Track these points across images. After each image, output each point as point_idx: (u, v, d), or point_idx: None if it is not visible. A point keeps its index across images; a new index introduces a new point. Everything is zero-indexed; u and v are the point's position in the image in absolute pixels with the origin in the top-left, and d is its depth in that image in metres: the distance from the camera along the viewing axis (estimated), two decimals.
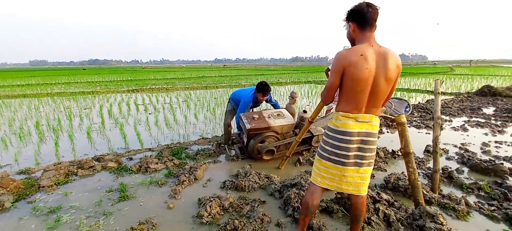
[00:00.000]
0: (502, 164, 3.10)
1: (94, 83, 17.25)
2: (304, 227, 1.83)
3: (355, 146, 1.57)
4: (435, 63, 75.13)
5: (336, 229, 2.05)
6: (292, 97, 3.87)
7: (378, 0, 1.64)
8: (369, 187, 2.53)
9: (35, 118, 6.37)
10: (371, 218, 2.13)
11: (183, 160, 3.55)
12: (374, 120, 1.59)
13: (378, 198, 2.34)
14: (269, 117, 3.52)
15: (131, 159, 3.68)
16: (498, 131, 4.86)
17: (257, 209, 2.29)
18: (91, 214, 2.34)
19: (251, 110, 3.90)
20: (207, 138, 4.62)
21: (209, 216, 2.23)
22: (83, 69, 57.70)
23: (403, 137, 2.17)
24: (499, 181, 2.77)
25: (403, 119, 2.18)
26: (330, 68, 5.29)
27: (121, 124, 5.57)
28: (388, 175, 2.84)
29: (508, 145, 4.09)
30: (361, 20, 1.53)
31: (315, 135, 3.54)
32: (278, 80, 17.57)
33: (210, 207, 2.29)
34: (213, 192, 2.66)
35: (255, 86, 3.71)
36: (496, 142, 4.25)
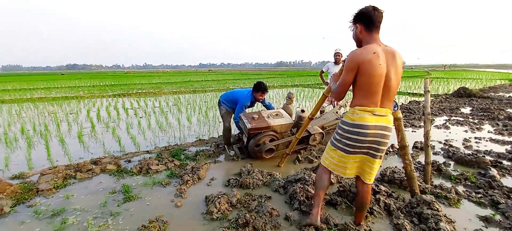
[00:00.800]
0: (484, 157, 3.37)
1: (76, 88, 16.68)
2: (320, 201, 1.98)
3: (370, 138, 1.66)
4: (412, 68, 78.57)
5: (341, 219, 2.16)
6: (289, 98, 4.00)
7: (381, 1, 1.81)
8: None
9: (19, 124, 6.11)
10: (373, 208, 2.27)
11: (184, 161, 3.56)
12: (389, 114, 1.70)
13: (377, 190, 2.49)
14: (268, 117, 3.62)
15: (129, 161, 3.65)
16: (476, 128, 5.23)
17: (264, 204, 2.36)
18: (97, 215, 2.32)
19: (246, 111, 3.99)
20: (204, 139, 4.65)
21: (219, 212, 2.28)
22: (62, 74, 55.40)
23: (399, 131, 2.34)
24: (483, 172, 3.01)
25: (399, 114, 2.34)
26: (324, 70, 5.49)
27: (113, 128, 5.48)
28: (384, 169, 3.01)
29: (487, 140, 4.43)
30: (369, 22, 1.67)
31: (312, 134, 3.68)
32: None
33: (219, 203, 2.35)
34: (219, 190, 2.71)
35: (251, 88, 3.81)
36: (475, 137, 4.58)
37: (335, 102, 5.35)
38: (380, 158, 1.75)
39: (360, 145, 1.69)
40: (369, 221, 2.16)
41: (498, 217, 2.18)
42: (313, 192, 2.51)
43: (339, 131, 1.79)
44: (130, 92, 13.41)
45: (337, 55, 5.23)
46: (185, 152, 3.97)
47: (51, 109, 8.30)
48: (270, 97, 10.84)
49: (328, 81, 5.39)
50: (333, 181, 2.85)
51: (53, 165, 3.53)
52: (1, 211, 2.36)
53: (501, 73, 32.09)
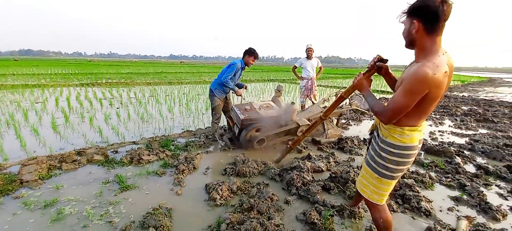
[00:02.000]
0: (449, 147, 3.82)
1: (35, 75, 15.26)
2: None
3: (415, 157, 1.52)
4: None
5: (337, 202, 2.36)
6: (278, 90, 4.13)
7: None
8: (352, 167, 2.93)
9: None
10: None
11: (175, 152, 3.54)
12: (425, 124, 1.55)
13: None
14: (260, 108, 3.73)
15: (116, 151, 3.54)
16: (439, 123, 5.84)
17: (264, 190, 2.49)
18: (95, 204, 2.27)
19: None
20: (192, 130, 4.63)
21: (222, 199, 2.36)
22: (15, 60, 49.98)
23: None
24: (449, 160, 3.43)
25: None
26: (297, 65, 5.66)
27: (90, 118, 5.20)
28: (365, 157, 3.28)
29: (448, 133, 4.99)
30: (433, 20, 1.24)
31: (301, 126, 3.86)
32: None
33: (221, 190, 2.42)
34: (217, 179, 2.77)
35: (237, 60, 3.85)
36: (439, 131, 5.13)
37: (312, 97, 5.60)
38: None
39: (408, 166, 1.51)
40: (362, 202, 2.38)
41: (465, 197, 2.53)
42: (308, 178, 2.69)
43: (384, 155, 1.50)
44: (99, 82, 12.62)
45: (309, 50, 5.44)
46: (174, 142, 3.93)
47: (12, 97, 7.57)
48: (250, 91, 10.94)
49: (302, 75, 5.63)
50: (323, 168, 3.06)
51: (31, 156, 3.30)
52: None
53: (453, 75, 35.47)
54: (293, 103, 3.73)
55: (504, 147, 4.01)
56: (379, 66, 1.59)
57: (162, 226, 1.90)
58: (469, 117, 6.38)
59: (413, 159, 1.48)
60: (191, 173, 2.95)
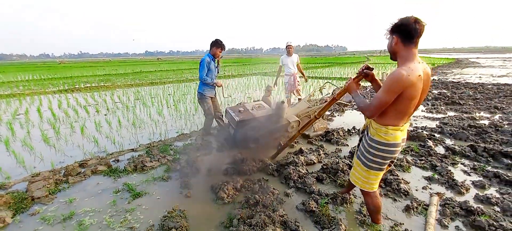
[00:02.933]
0: (422, 132, 4.29)
1: (5, 84, 14.45)
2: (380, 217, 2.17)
3: (398, 153, 1.82)
4: (354, 54, 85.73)
5: (330, 190, 2.69)
6: (268, 90, 4.40)
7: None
8: (340, 158, 3.28)
9: None
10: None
11: (175, 156, 3.73)
12: (408, 125, 1.82)
13: (351, 164, 3.09)
14: (252, 109, 3.98)
15: (117, 160, 3.67)
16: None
17: (265, 186, 2.77)
18: (113, 213, 2.45)
19: (216, 71, 4.27)
20: (186, 133, 4.81)
21: (229, 197, 2.61)
22: None
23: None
24: (423, 144, 3.88)
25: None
26: (280, 64, 5.95)
27: (81, 127, 5.21)
28: (352, 148, 3.66)
29: (421, 118, 5.52)
30: (407, 36, 1.56)
31: (291, 122, 4.16)
32: (224, 73, 17.84)
33: (227, 189, 2.67)
34: (220, 179, 3.00)
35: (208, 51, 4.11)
36: (413, 117, 5.65)
37: (295, 92, 5.94)
38: None
39: (391, 160, 1.83)
40: (354, 190, 2.73)
41: (436, 176, 2.96)
42: (303, 171, 3.00)
43: (373, 152, 1.80)
44: (78, 87, 12.25)
45: (289, 47, 5.74)
46: (172, 147, 4.11)
47: None
48: (233, 87, 11.12)
49: (285, 73, 5.95)
50: (315, 161, 3.39)
51: (33, 172, 3.36)
52: (4, 223, 2.31)
53: (424, 58, 37.41)
54: (283, 102, 4.01)
55: (468, 128, 4.55)
56: (366, 73, 1.91)
57: (181, 227, 2.13)
58: (439, 101, 7.00)
59: (396, 154, 1.80)
60: (195, 175, 3.17)
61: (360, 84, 1.99)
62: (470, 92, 7.97)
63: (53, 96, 9.73)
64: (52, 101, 8.65)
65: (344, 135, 4.43)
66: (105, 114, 6.56)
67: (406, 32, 1.56)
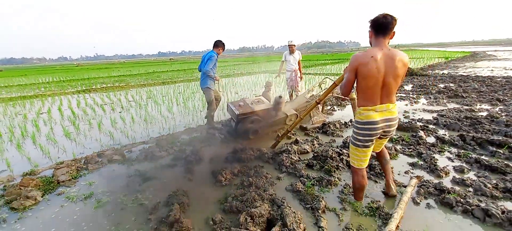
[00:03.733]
0: (416, 123, 4.46)
1: (28, 86, 15.43)
2: (363, 195, 2.42)
3: (380, 131, 2.02)
4: (366, 49, 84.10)
5: (317, 175, 2.96)
6: (268, 86, 4.69)
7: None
8: (332, 147, 3.53)
9: None
10: (339, 164, 3.11)
11: (181, 147, 4.09)
12: (391, 107, 1.99)
13: (341, 152, 3.35)
14: (252, 103, 4.29)
15: (131, 151, 4.07)
16: (414, 102, 6.50)
17: (260, 171, 3.07)
18: (126, 193, 2.82)
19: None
20: (193, 127, 5.17)
21: (226, 180, 2.94)
22: None
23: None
24: (414, 134, 4.06)
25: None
26: (283, 59, 6.25)
27: (98, 123, 5.68)
28: (345, 138, 3.90)
29: (421, 111, 5.64)
30: (377, 28, 1.90)
31: (289, 115, 4.43)
32: (233, 72, 18.23)
33: (225, 173, 3.00)
34: (220, 166, 3.33)
35: (211, 51, 4.79)
36: (413, 110, 5.79)
37: (296, 87, 6.21)
38: (387, 138, 2.20)
39: (373, 137, 2.05)
40: (336, 174, 2.99)
41: (420, 162, 3.17)
42: (295, 158, 3.29)
43: (355, 130, 2.10)
44: (94, 87, 12.96)
45: (290, 46, 6.10)
46: (179, 139, 4.48)
47: (14, 110, 7.94)
48: (241, 85, 11.45)
49: (286, 68, 6.26)
50: (308, 150, 3.66)
51: (57, 161, 3.80)
52: (35, 200, 2.74)
53: (439, 52, 36.42)
54: (280, 96, 4.30)
55: (463, 119, 4.67)
56: None
57: (183, 202, 2.47)
58: (442, 94, 7.06)
59: (374, 132, 2.01)
60: (198, 163, 3.51)
61: None
62: (476, 85, 7.94)
63: (72, 97, 10.40)
64: (72, 101, 9.29)
65: (340, 127, 4.66)
66: (120, 112, 7.05)
67: (376, 26, 1.92)
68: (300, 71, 6.23)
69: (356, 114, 2.12)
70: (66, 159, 3.90)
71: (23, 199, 2.71)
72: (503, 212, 2.13)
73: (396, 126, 2.10)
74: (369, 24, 1.98)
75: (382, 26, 1.90)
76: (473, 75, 10.80)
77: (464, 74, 11.34)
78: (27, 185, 2.96)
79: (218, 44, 4.83)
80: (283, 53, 6.41)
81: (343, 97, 5.18)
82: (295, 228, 2.02)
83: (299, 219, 2.13)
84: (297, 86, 6.22)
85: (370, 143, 2.09)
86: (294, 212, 2.18)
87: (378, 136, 2.07)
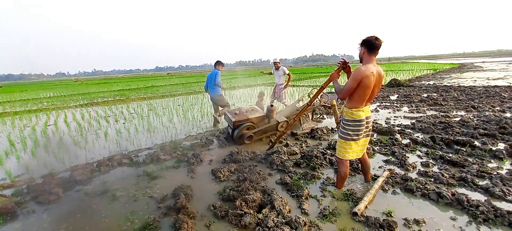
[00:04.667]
0: (394, 127, 4.96)
1: (31, 101, 15.82)
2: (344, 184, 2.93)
3: (365, 126, 2.57)
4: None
5: (303, 171, 3.41)
6: (260, 96, 5.19)
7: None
8: (317, 148, 3.98)
9: (3, 137, 6.33)
10: (322, 162, 3.58)
11: (183, 151, 4.53)
12: (368, 107, 2.60)
13: (325, 152, 3.82)
14: (247, 112, 4.78)
15: (137, 156, 4.50)
16: (397, 110, 7.04)
17: (253, 169, 3.52)
18: (137, 189, 3.24)
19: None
20: (193, 135, 5.63)
21: (224, 177, 3.38)
22: None
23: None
24: (392, 137, 4.55)
25: (334, 102, 3.68)
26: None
27: (105, 133, 6.11)
28: (330, 141, 4.38)
29: (401, 118, 6.17)
30: (370, 47, 2.37)
31: (280, 122, 4.91)
32: (231, 85, 18.81)
33: (223, 171, 3.44)
34: (219, 166, 3.78)
35: (214, 69, 6.04)
36: (394, 116, 6.31)
37: (282, 103, 6.81)
38: (368, 136, 2.73)
39: (360, 132, 2.57)
40: (319, 170, 3.45)
41: (393, 159, 3.65)
42: (284, 158, 3.75)
43: (346, 127, 2.58)
44: (96, 101, 13.40)
45: (275, 63, 6.89)
46: (181, 145, 4.92)
47: (22, 123, 8.34)
48: (237, 97, 11.97)
49: (277, 82, 6.85)
50: (297, 151, 4.12)
51: (71, 166, 4.22)
52: (58, 196, 3.14)
53: (429, 64, 37.59)
54: (272, 105, 4.79)
55: (438, 124, 5.19)
56: (344, 66, 2.72)
57: (187, 194, 2.90)
58: (423, 103, 7.62)
59: (361, 128, 2.54)
60: (199, 164, 3.95)
61: (340, 74, 2.78)
62: (456, 94, 8.53)
63: (75, 110, 10.82)
64: (75, 114, 9.70)
65: (327, 132, 5.14)
66: (123, 123, 7.48)
67: (369, 45, 2.39)
68: (287, 83, 6.83)
69: (347, 114, 2.57)
70: (79, 163, 4.31)
71: (47, 194, 3.12)
72: (453, 194, 2.60)
73: (372, 123, 2.67)
74: (361, 43, 2.44)
75: (374, 47, 2.38)
76: (456, 85, 11.46)
77: (448, 84, 12.00)
78: (50, 183, 3.36)
79: (219, 63, 6.11)
80: (271, 69, 7.08)
81: (330, 106, 5.68)
82: (282, 209, 2.46)
83: (285, 203, 2.58)
84: (284, 99, 6.82)
85: (356, 137, 2.59)
86: (281, 198, 2.64)
87: (364, 132, 2.61)
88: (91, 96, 16.62)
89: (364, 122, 2.56)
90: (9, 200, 2.98)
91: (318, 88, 3.29)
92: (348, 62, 2.71)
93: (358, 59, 2.55)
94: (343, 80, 13.98)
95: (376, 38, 2.36)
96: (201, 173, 3.64)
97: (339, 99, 4.20)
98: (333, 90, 9.15)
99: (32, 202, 3.07)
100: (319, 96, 5.67)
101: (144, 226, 2.45)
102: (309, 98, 7.00)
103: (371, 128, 2.70)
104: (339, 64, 2.75)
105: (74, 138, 5.72)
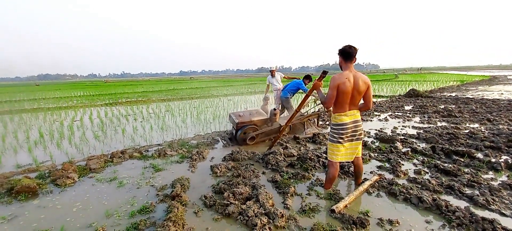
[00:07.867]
0: (397, 136, 4.96)
1: (63, 99, 17.17)
2: (332, 182, 3.02)
3: (350, 130, 2.67)
4: (384, 71, 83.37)
5: (295, 171, 3.57)
6: (266, 100, 5.42)
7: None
8: (312, 152, 4.12)
9: (36, 130, 7.05)
10: (316, 164, 3.71)
11: (189, 149, 4.85)
12: (356, 112, 2.69)
13: (319, 155, 3.95)
14: (250, 114, 5.01)
15: (147, 150, 4.88)
16: (408, 119, 6.94)
17: (249, 167, 3.74)
18: (141, 178, 3.58)
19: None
20: (201, 135, 5.95)
21: (221, 172, 3.62)
22: (36, 85, 53.70)
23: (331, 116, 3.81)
24: (392, 145, 4.57)
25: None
26: (267, 82, 7.05)
27: (122, 129, 6.61)
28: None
29: (409, 128, 6.09)
30: (346, 56, 2.57)
31: (282, 126, 5.09)
32: (248, 90, 19.20)
33: (220, 167, 3.69)
34: (219, 163, 4.03)
35: (301, 80, 6.15)
36: (403, 126, 6.24)
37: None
38: (359, 139, 2.78)
39: (345, 135, 2.69)
40: (311, 171, 3.59)
41: (387, 165, 3.70)
42: (280, 158, 3.92)
43: (332, 131, 2.77)
44: (120, 101, 14.29)
45: (271, 71, 7.13)
46: (188, 143, 5.25)
47: (52, 118, 9.17)
48: (252, 102, 12.25)
49: (273, 89, 7.15)
50: (295, 154, 4.28)
51: (88, 155, 4.67)
52: (73, 180, 3.55)
53: (458, 75, 35.76)
54: (275, 109, 4.99)
55: (444, 135, 5.10)
56: (324, 75, 2.91)
57: (184, 185, 3.18)
58: (437, 114, 7.43)
59: (346, 131, 2.66)
60: (201, 161, 4.24)
61: (322, 83, 2.95)
62: (474, 107, 8.20)
63: (101, 108, 11.65)
64: (100, 111, 10.47)
65: (325, 139, 5.22)
66: (141, 121, 8.01)
67: (345, 54, 2.58)
68: (290, 77, 7.09)
69: (332, 119, 2.78)
70: (96, 154, 4.76)
71: (65, 178, 3.54)
72: (433, 200, 2.65)
73: (362, 126, 2.78)
74: (338, 53, 2.64)
75: (348, 55, 2.56)
76: (479, 98, 10.94)
77: (471, 96, 11.48)
78: (67, 169, 3.80)
79: (307, 77, 6.18)
80: (267, 77, 7.30)
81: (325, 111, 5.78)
82: (265, 203, 2.65)
83: (269, 197, 2.77)
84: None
85: (342, 140, 2.72)
86: (266, 193, 2.83)
87: (349, 134, 2.70)
88: (116, 96, 17.71)
89: (349, 126, 2.67)
90: (33, 181, 3.43)
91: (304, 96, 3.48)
92: (327, 72, 2.92)
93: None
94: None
95: (350, 47, 2.54)
96: (201, 168, 3.92)
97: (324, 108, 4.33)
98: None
99: (51, 184, 3.50)
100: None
101: (142, 208, 2.75)
102: (315, 105, 7.11)
103: (361, 132, 2.77)
104: (321, 76, 2.93)
105: (95, 133, 6.26)
